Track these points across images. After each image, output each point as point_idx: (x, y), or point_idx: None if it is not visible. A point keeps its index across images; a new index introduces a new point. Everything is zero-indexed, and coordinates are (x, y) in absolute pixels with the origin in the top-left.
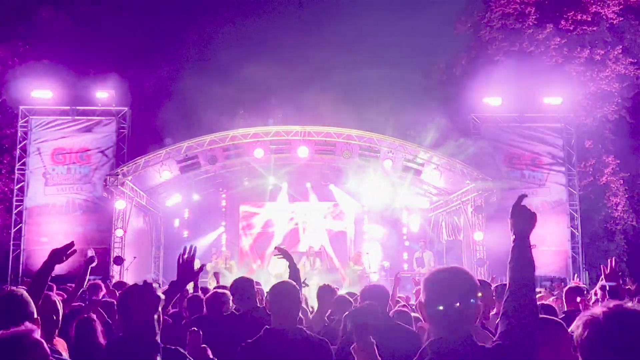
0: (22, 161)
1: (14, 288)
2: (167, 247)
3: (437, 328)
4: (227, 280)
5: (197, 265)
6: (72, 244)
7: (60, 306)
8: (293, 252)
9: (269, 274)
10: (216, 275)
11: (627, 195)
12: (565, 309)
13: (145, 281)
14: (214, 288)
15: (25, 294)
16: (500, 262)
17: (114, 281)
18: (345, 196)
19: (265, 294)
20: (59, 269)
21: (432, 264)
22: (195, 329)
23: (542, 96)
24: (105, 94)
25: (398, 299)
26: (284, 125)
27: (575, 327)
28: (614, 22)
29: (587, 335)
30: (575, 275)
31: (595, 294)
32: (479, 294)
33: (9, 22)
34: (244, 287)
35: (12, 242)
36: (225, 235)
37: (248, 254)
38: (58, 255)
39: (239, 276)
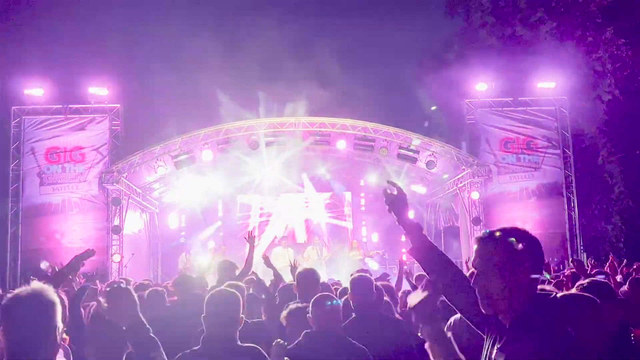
0: (16, 161)
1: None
2: (165, 243)
3: None
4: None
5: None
6: (92, 251)
7: (67, 303)
8: (294, 242)
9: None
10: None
11: (623, 176)
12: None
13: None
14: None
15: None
16: None
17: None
18: (341, 186)
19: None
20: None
21: None
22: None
23: (535, 79)
24: (97, 91)
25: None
26: (277, 117)
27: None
28: (605, 3)
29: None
30: (572, 260)
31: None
32: None
33: None
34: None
35: (9, 243)
36: (222, 229)
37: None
38: (79, 260)
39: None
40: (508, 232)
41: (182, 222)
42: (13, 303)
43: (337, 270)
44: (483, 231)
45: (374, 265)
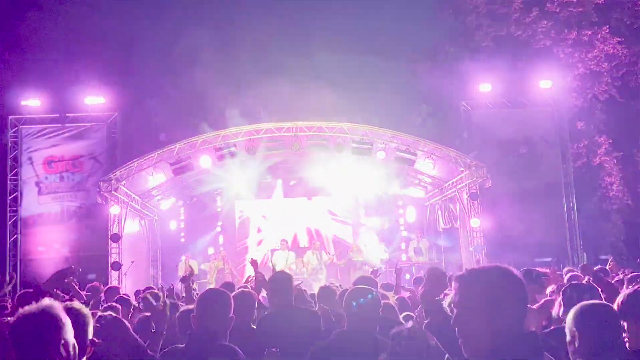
0: (14, 171)
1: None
2: (164, 250)
3: None
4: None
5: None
6: (73, 269)
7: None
8: (295, 247)
9: (269, 269)
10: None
11: (621, 175)
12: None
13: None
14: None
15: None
16: (498, 247)
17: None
18: (341, 189)
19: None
20: (44, 273)
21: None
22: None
23: (532, 80)
24: (94, 99)
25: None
26: (275, 122)
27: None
28: (600, 2)
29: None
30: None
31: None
32: None
33: None
34: None
35: (8, 253)
36: (222, 235)
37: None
38: (60, 277)
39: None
40: (489, 271)
41: (181, 228)
42: (21, 321)
43: (338, 274)
44: (464, 270)
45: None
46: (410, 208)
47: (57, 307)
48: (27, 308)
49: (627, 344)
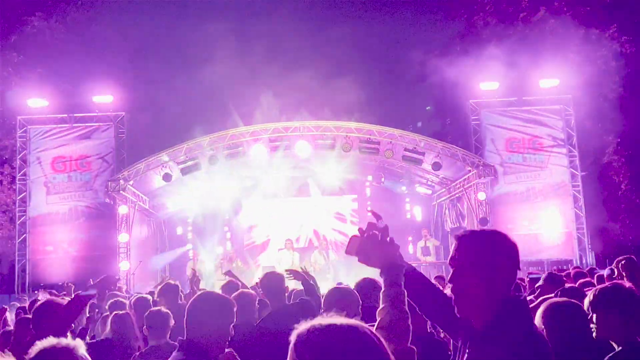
0: (22, 171)
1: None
2: (172, 249)
3: None
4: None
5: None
6: (93, 296)
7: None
8: (303, 247)
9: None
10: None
11: (629, 174)
12: None
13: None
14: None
15: None
16: None
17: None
18: (346, 189)
19: None
20: (65, 277)
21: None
22: None
23: (540, 78)
24: (102, 99)
25: None
26: (282, 122)
27: None
28: (608, 0)
29: None
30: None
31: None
32: None
33: (1, 33)
34: None
35: (17, 253)
36: (229, 234)
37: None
38: (81, 301)
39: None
40: (488, 233)
41: (189, 228)
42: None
43: (347, 273)
44: (463, 230)
45: None
46: (417, 208)
47: (82, 348)
48: (49, 344)
49: (595, 334)
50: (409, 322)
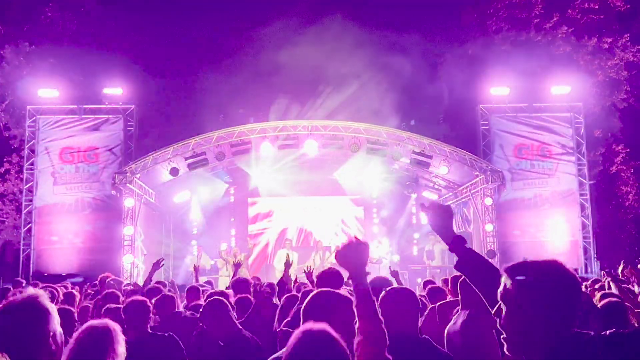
0: (30, 161)
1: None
2: (176, 243)
3: None
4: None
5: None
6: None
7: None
8: (304, 247)
9: (274, 269)
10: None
11: (637, 184)
12: None
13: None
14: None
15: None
16: (511, 253)
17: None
18: (355, 189)
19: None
20: (69, 267)
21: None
22: None
23: (550, 85)
24: (112, 91)
25: None
26: (291, 120)
27: None
28: (622, 10)
29: None
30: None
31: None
32: None
33: (14, 22)
34: None
35: (22, 242)
36: (234, 230)
37: (257, 248)
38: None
39: None
40: (542, 265)
41: (194, 222)
42: (5, 312)
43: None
44: (516, 263)
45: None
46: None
47: (43, 295)
48: (10, 299)
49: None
50: (382, 327)
